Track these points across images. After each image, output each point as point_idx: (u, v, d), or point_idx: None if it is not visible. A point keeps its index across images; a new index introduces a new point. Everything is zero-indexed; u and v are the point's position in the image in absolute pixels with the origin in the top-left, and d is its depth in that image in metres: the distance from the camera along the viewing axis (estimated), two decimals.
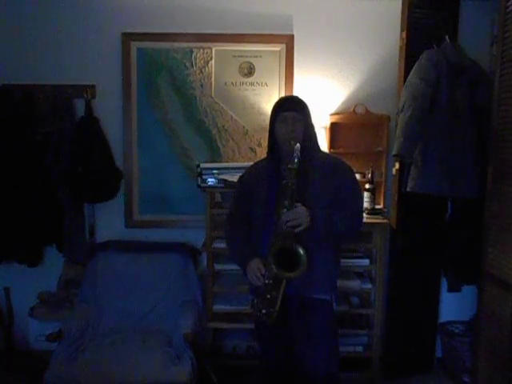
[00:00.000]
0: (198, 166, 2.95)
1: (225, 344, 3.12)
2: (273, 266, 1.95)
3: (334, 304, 2.18)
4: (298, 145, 1.95)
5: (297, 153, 1.93)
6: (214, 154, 3.20)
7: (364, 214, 2.89)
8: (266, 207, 2.06)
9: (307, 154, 2.05)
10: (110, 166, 3.12)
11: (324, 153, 2.26)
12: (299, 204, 1.97)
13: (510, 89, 2.38)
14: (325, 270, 2.09)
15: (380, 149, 3.11)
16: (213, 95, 3.16)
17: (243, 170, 2.84)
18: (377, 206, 3.05)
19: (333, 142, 3.08)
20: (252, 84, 3.16)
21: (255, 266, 2.03)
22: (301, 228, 1.95)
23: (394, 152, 2.75)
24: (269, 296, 2.00)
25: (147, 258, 3.07)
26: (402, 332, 3.07)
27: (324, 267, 2.08)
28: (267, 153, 2.19)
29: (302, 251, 1.95)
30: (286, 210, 1.95)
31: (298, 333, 2.11)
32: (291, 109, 2.07)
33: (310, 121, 2.12)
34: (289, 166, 1.95)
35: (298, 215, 1.95)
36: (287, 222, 1.94)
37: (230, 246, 2.27)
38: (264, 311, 2.01)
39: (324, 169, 2.08)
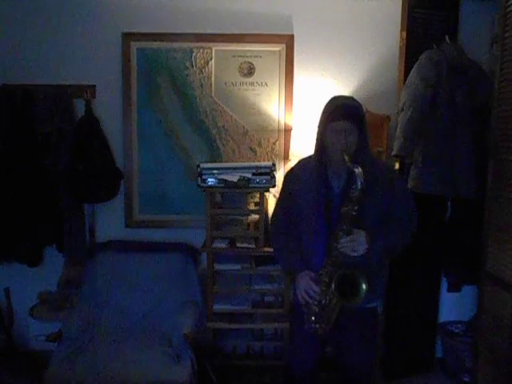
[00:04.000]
0: (198, 166, 2.95)
1: (225, 344, 3.12)
2: (335, 294, 1.95)
3: (379, 307, 2.22)
4: (359, 169, 1.85)
5: (360, 180, 1.85)
6: (214, 154, 3.20)
7: None
8: (313, 215, 2.02)
9: (360, 163, 1.93)
10: (110, 165, 3.12)
11: (375, 161, 2.11)
12: (358, 230, 1.92)
13: (510, 89, 2.38)
14: (376, 280, 2.07)
15: (380, 149, 3.10)
16: (213, 95, 3.16)
17: (243, 170, 2.88)
18: None
19: None
20: (252, 84, 3.16)
21: (307, 284, 2.01)
22: (357, 254, 1.93)
23: (394, 152, 2.75)
24: (324, 314, 2.00)
25: (147, 258, 3.07)
26: (402, 332, 3.07)
27: (374, 278, 2.06)
28: (314, 155, 2.06)
29: (363, 281, 1.93)
30: (344, 235, 1.92)
31: (342, 338, 2.13)
32: (346, 119, 1.91)
33: (364, 129, 1.97)
34: (350, 194, 1.89)
35: (356, 242, 1.92)
36: (344, 248, 1.92)
37: (278, 251, 2.24)
38: (317, 326, 2.02)
39: (377, 181, 1.99)
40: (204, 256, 3.06)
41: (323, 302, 1.99)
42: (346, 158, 1.87)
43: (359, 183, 1.86)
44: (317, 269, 2.02)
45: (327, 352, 2.31)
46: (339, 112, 1.92)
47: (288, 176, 2.23)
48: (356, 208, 1.89)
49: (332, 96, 2.04)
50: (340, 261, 1.95)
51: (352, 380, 2.22)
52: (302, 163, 2.19)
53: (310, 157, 2.15)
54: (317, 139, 2.02)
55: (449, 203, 3.07)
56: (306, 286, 2.01)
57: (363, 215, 1.95)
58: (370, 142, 2.05)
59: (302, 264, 2.07)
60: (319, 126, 2.00)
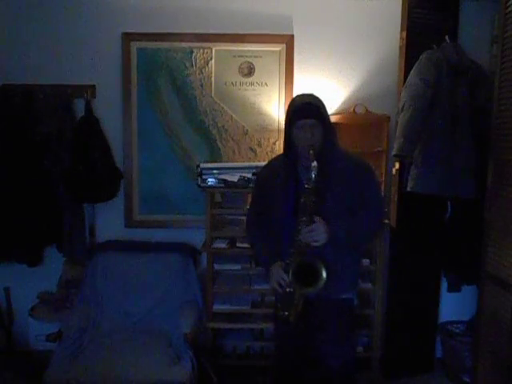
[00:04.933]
0: (198, 166, 2.95)
1: (225, 344, 3.12)
2: (292, 282, 2.00)
3: (355, 300, 2.23)
4: (314, 163, 1.93)
5: (314, 171, 1.93)
6: (214, 154, 3.20)
7: None
8: (284, 208, 2.07)
9: (326, 157, 2.02)
10: (110, 165, 3.13)
11: (343, 153, 2.17)
12: (318, 218, 1.97)
13: (510, 89, 2.38)
14: (346, 270, 2.10)
15: (380, 149, 3.11)
16: (213, 95, 3.16)
17: (243, 170, 2.88)
18: None
19: None
20: (252, 84, 3.16)
21: (277, 274, 2.06)
22: (318, 244, 1.98)
23: (394, 152, 2.75)
24: (291, 301, 2.03)
25: (147, 258, 3.07)
26: (402, 332, 3.07)
27: (344, 268, 2.09)
28: (283, 152, 2.16)
29: (321, 266, 1.98)
30: (304, 226, 1.97)
31: (320, 331, 2.14)
32: (309, 116, 2.00)
33: (329, 122, 2.08)
34: (306, 185, 1.96)
35: (315, 232, 1.97)
36: (305, 238, 1.97)
37: (252, 247, 2.32)
38: (287, 313, 2.05)
39: (343, 171, 2.06)
40: (204, 256, 3.06)
41: (287, 289, 2.04)
42: (311, 153, 1.96)
43: (312, 175, 1.94)
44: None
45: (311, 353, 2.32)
46: (301, 111, 2.03)
47: (259, 174, 2.34)
48: (313, 200, 1.96)
49: (295, 95, 2.15)
50: (304, 250, 2.00)
51: (334, 375, 2.19)
52: (273, 161, 2.30)
53: (280, 155, 2.25)
54: (285, 137, 2.12)
55: (449, 203, 3.07)
56: (277, 276, 2.06)
57: (326, 205, 2.01)
58: (335, 134, 2.13)
59: (275, 256, 2.11)
60: (285, 125, 2.10)
